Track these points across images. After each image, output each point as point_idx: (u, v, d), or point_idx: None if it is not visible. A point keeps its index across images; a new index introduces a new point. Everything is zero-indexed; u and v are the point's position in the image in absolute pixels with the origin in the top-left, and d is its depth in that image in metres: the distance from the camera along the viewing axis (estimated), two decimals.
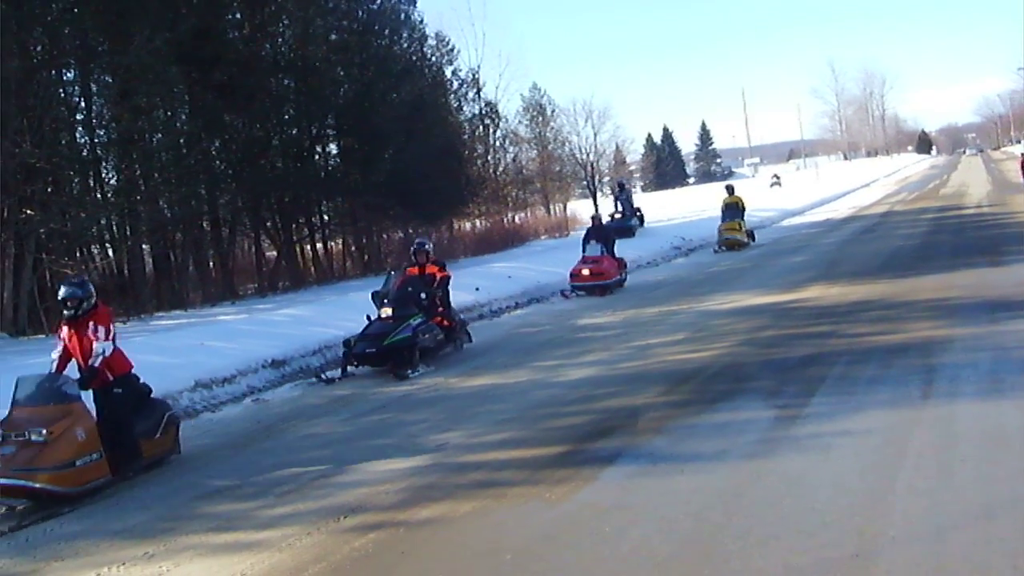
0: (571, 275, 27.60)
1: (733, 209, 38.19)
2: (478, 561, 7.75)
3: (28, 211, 26.42)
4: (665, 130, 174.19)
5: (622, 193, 48.35)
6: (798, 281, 23.40)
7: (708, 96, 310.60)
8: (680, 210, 64.77)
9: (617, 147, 79.17)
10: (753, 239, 37.93)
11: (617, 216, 45.87)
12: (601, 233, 29.39)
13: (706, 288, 24.75)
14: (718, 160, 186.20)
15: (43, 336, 24.95)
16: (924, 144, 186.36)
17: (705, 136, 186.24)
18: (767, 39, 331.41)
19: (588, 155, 65.22)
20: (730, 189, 40.44)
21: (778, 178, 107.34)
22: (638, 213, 47.96)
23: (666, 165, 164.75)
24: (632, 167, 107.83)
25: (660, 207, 66.09)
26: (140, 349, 19.12)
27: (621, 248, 30.48)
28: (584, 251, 28.42)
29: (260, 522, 9.46)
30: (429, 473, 10.30)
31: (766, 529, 7.60)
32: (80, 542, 9.49)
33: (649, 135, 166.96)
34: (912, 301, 18.20)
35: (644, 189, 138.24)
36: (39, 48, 29.55)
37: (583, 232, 31.93)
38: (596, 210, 48.47)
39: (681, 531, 7.79)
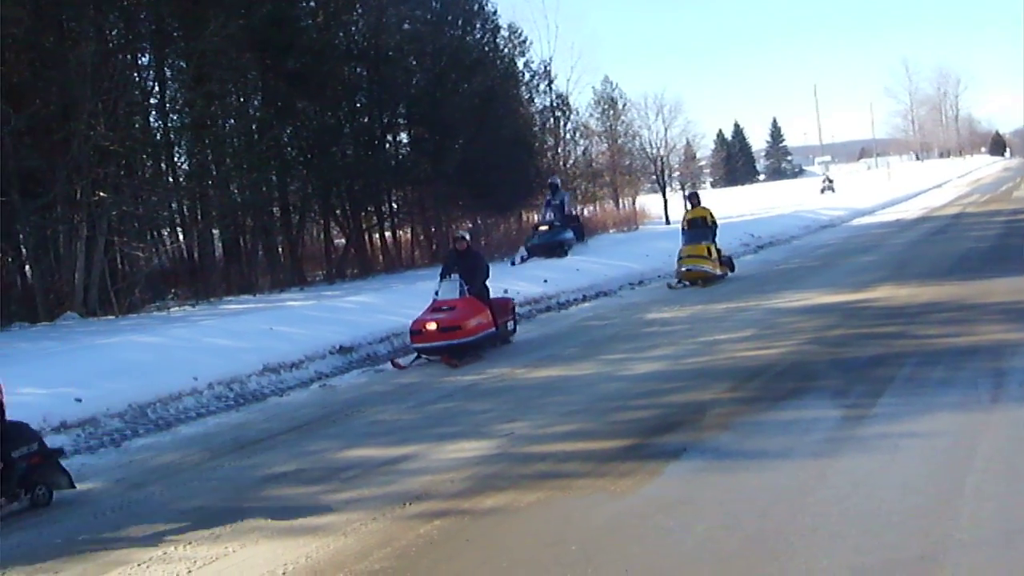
0: (412, 332, 18.32)
1: (699, 226, 27.93)
2: (543, 551, 7.76)
3: (101, 193, 26.74)
4: (736, 126, 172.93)
5: (554, 196, 37.51)
6: (867, 281, 23.17)
7: (780, 93, 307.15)
8: (749, 207, 64.44)
9: (687, 142, 78.66)
10: (731, 268, 28.26)
11: (543, 229, 36.59)
12: (467, 263, 19.51)
13: (774, 285, 24.60)
14: (789, 158, 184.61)
15: (112, 317, 25.28)
16: (998, 146, 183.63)
17: (776, 133, 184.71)
18: (841, 36, 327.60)
19: (658, 150, 64.79)
20: (693, 199, 29.62)
21: (830, 182, 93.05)
22: (574, 223, 38.06)
23: (736, 162, 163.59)
24: (702, 163, 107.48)
25: (730, 203, 65.58)
26: (209, 332, 19.50)
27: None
28: (437, 291, 19.23)
29: (325, 506, 9.52)
30: (494, 462, 10.34)
31: (832, 528, 7.55)
32: (147, 520, 9.62)
33: (720, 131, 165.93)
34: (983, 304, 17.97)
35: (714, 185, 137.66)
36: (115, 32, 29.97)
37: (654, 226, 32.26)
38: (457, 230, 33.08)
39: (746, 528, 7.75)
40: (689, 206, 29.29)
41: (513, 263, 32.31)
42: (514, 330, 20.06)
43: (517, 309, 20.89)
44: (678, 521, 8.03)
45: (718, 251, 27.76)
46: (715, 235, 28.02)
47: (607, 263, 31.30)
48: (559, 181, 40.27)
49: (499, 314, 19.20)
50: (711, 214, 28.43)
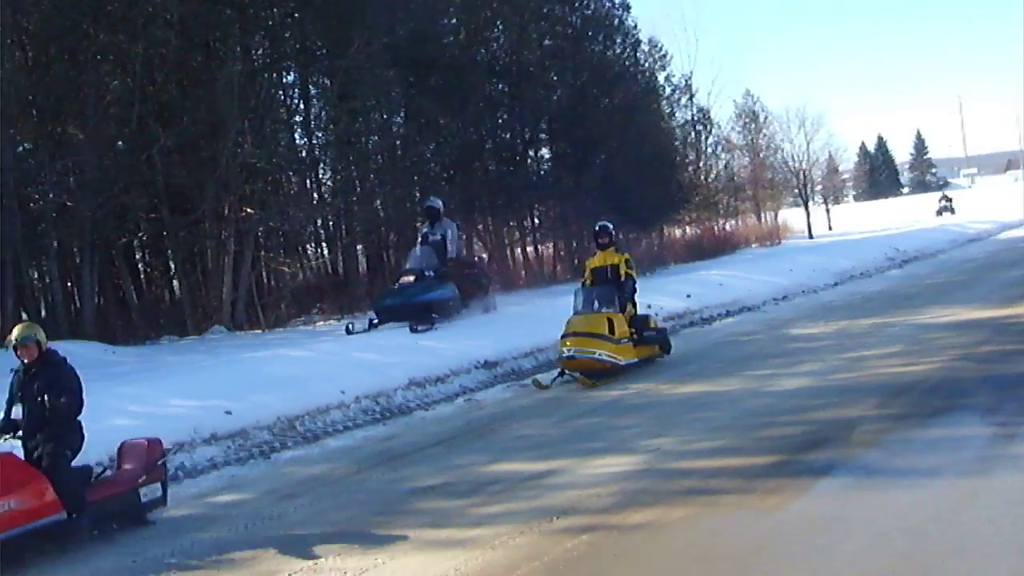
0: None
1: (604, 281, 19.17)
2: (690, 567, 7.78)
3: (248, 209, 27.30)
4: (879, 138, 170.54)
5: (432, 229, 25.16)
6: (1017, 296, 22.68)
7: (923, 104, 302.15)
8: (893, 220, 63.50)
9: (830, 155, 77.75)
10: (665, 347, 19.32)
11: (405, 281, 24.27)
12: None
13: (921, 301, 24.19)
14: (933, 170, 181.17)
15: (259, 331, 25.74)
16: None
17: (920, 145, 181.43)
18: (986, 46, 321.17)
19: (800, 163, 64.26)
20: (602, 235, 19.72)
21: (949, 201, 79.28)
22: (469, 270, 26.08)
23: (879, 174, 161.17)
24: (845, 176, 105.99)
25: (874, 217, 64.75)
26: (356, 347, 19.77)
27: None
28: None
29: (473, 520, 9.63)
30: (641, 478, 10.35)
31: (985, 549, 7.45)
32: (297, 531, 9.83)
33: (863, 143, 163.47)
34: None
35: (856, 199, 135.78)
36: (260, 52, 30.55)
37: (797, 240, 30.71)
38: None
39: (896, 546, 7.67)
40: (596, 249, 20.01)
41: (349, 330, 22.62)
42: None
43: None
44: (828, 539, 7.99)
45: (636, 322, 18.82)
46: (631, 295, 19.04)
47: (751, 278, 31.03)
48: (439, 204, 26.03)
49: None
50: (627, 262, 19.23)
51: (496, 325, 22.43)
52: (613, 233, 20.20)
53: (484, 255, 35.98)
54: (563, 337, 18.08)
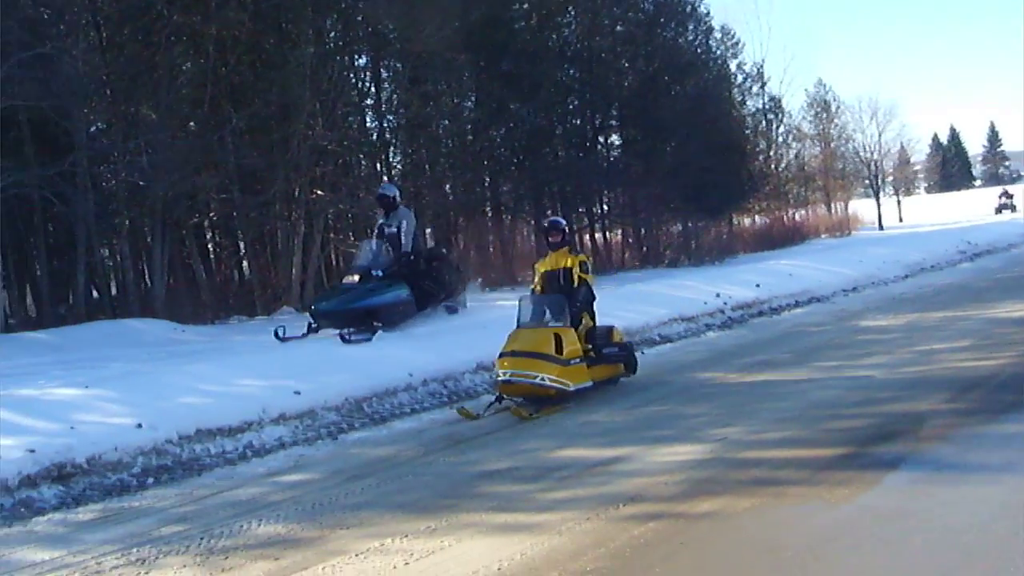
0: None
1: (556, 288, 15.92)
2: (757, 557, 7.75)
3: (318, 192, 27.57)
4: (952, 130, 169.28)
5: (388, 219, 21.86)
6: None
7: (998, 96, 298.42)
8: (964, 213, 62.88)
9: (902, 146, 77.29)
10: (630, 365, 16.39)
11: (348, 281, 21.25)
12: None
13: (993, 295, 23.94)
14: (1007, 163, 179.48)
15: None
16: None
17: (993, 137, 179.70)
18: None
19: (872, 154, 63.89)
20: (554, 234, 16.37)
21: (1010, 198, 73.06)
22: (435, 267, 22.69)
23: (951, 166, 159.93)
24: (916, 167, 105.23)
25: (945, 209, 64.15)
26: (422, 329, 19.85)
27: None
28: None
29: (539, 505, 9.62)
30: (708, 467, 10.32)
31: None
32: (364, 512, 9.84)
33: (935, 135, 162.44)
34: None
35: (928, 191, 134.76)
36: (332, 35, 30.70)
37: (868, 232, 30.10)
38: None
39: (965, 542, 7.60)
40: (549, 249, 16.62)
41: (279, 335, 19.66)
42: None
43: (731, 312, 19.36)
44: (896, 532, 7.93)
45: (594, 337, 15.82)
46: (585, 304, 15.89)
47: (820, 268, 30.86)
48: (394, 192, 22.50)
49: None
50: (581, 264, 16.06)
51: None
52: (566, 231, 16.73)
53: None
54: (500, 356, 15.00)
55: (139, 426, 12.77)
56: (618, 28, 40.49)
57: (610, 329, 16.41)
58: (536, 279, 16.53)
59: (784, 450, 10.80)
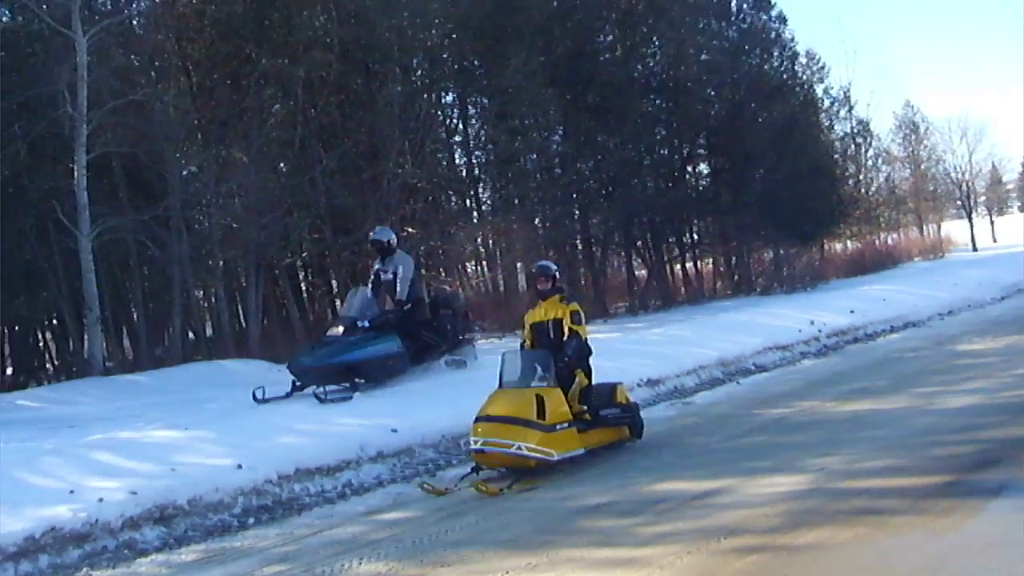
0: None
1: (546, 343, 14.12)
2: None
3: (410, 229, 27.72)
4: None
5: (384, 264, 19.96)
6: None
7: None
8: None
9: (993, 165, 76.42)
10: (634, 430, 14.38)
11: (333, 334, 18.92)
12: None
13: None
14: None
15: None
16: None
17: None
18: None
19: (963, 174, 63.25)
20: (543, 281, 14.46)
21: None
22: (442, 315, 20.52)
23: None
24: (1009, 186, 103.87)
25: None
26: None
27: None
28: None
29: (639, 539, 9.61)
30: (808, 497, 10.26)
31: None
32: (465, 549, 9.87)
33: None
34: None
35: (1021, 209, 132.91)
36: (419, 72, 31.04)
37: (961, 253, 29.51)
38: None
39: None
40: (538, 297, 14.76)
41: (256, 397, 16.97)
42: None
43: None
44: (1002, 561, 7.86)
45: (589, 397, 13.94)
46: (576, 360, 13.93)
47: (914, 292, 30.58)
48: (388, 236, 20.20)
49: None
50: (573, 315, 14.13)
51: (656, 344, 22.20)
52: (557, 276, 14.60)
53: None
54: (475, 421, 13.18)
55: (239, 467, 12.91)
56: (703, 57, 40.36)
57: (613, 388, 14.45)
58: (525, 331, 14.67)
59: (885, 479, 10.71)
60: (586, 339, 14.11)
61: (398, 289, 19.38)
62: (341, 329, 18.63)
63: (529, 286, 15.37)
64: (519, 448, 12.57)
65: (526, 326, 14.59)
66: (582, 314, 14.31)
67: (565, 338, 13.89)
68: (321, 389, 16.98)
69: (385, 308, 19.52)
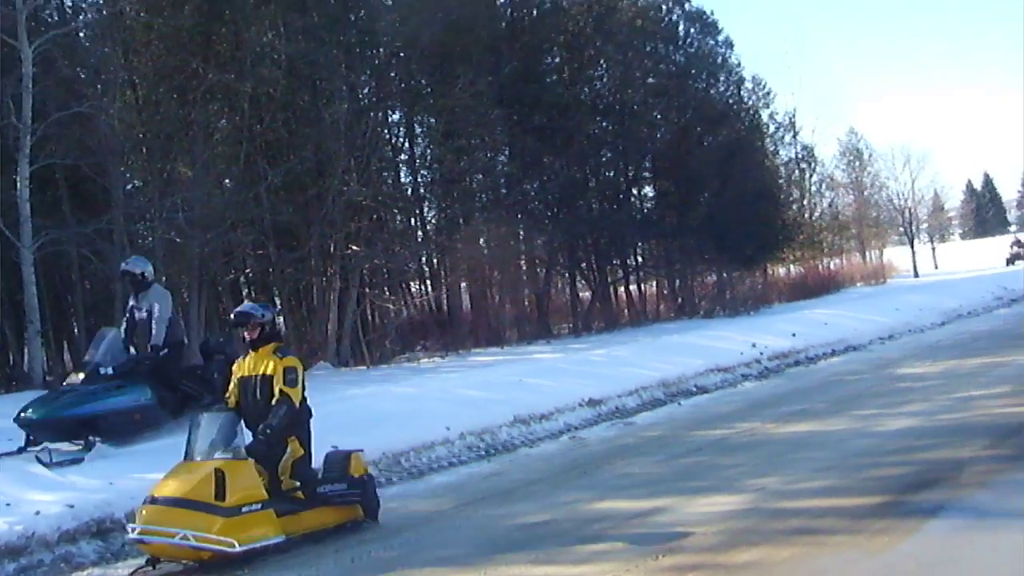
0: None
1: (253, 407, 11.46)
2: None
3: (354, 247, 27.66)
4: (986, 176, 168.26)
5: (138, 301, 16.54)
6: None
7: None
8: (1000, 259, 62.62)
9: (935, 193, 77.20)
10: (368, 513, 11.78)
11: (72, 381, 16.11)
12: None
13: None
14: None
15: (364, 367, 25.97)
16: None
17: None
18: None
19: (905, 201, 63.86)
20: (248, 328, 11.65)
21: (1022, 247, 67.64)
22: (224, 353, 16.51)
23: (986, 212, 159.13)
24: (951, 213, 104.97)
25: (980, 256, 63.87)
26: (460, 384, 19.88)
27: None
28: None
29: (578, 557, 9.60)
30: (747, 517, 10.29)
31: None
32: (403, 566, 9.85)
33: (969, 181, 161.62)
34: None
35: (963, 237, 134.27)
36: (367, 91, 30.95)
37: (903, 279, 29.77)
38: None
39: None
40: (248, 345, 11.93)
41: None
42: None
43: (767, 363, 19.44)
44: None
45: (301, 472, 11.52)
46: (283, 426, 11.20)
47: (856, 317, 30.84)
48: (142, 268, 16.63)
49: None
50: (287, 372, 11.42)
51: (599, 365, 22.31)
52: (268, 323, 11.88)
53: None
54: (143, 503, 10.69)
55: None
56: (649, 80, 40.47)
57: (347, 456, 12.02)
58: (231, 388, 11.98)
59: (823, 499, 10.76)
60: (304, 400, 11.63)
61: (153, 331, 16.15)
62: (81, 376, 15.81)
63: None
64: (183, 537, 10.11)
65: (233, 381, 11.93)
66: (299, 371, 11.59)
67: (274, 401, 11.27)
68: (45, 450, 14.09)
69: (137, 353, 16.61)
